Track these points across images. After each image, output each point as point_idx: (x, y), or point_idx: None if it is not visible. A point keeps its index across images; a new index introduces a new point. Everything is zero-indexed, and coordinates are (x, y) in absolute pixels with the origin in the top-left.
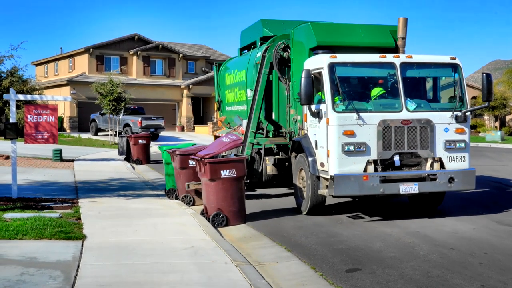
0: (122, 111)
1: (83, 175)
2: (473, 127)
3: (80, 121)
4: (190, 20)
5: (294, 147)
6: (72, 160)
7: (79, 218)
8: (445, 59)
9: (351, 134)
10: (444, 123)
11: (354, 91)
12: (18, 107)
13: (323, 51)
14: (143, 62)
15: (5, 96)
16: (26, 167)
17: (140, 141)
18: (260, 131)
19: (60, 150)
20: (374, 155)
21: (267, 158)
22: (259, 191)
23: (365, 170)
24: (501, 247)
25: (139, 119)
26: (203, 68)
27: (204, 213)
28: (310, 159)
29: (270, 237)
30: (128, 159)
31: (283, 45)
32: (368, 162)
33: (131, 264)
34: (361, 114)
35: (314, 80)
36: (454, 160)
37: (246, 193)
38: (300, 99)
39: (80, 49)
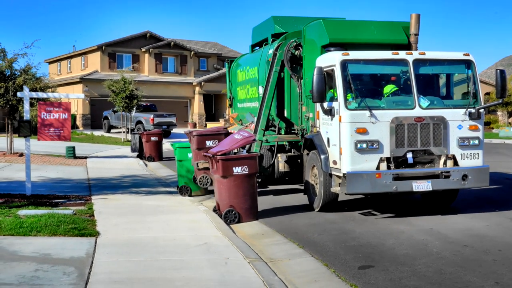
0: (134, 108)
1: (96, 172)
2: (486, 124)
3: (92, 119)
4: (201, 17)
5: (306, 144)
6: (85, 157)
7: (93, 215)
8: (459, 55)
9: (364, 131)
10: (457, 120)
11: (366, 88)
12: (31, 104)
13: (335, 48)
14: (155, 59)
15: (19, 94)
16: (40, 164)
17: (153, 138)
18: (272, 128)
19: (73, 148)
20: (387, 153)
21: (279, 155)
22: (271, 188)
23: (377, 167)
24: None
25: (152, 116)
26: (214, 65)
27: (216, 210)
28: (322, 156)
29: (282, 234)
30: (141, 156)
31: (295, 43)
32: (381, 160)
33: (144, 261)
34: (373, 111)
35: (326, 78)
36: (467, 157)
37: (258, 189)
38: (312, 97)
39: (93, 46)
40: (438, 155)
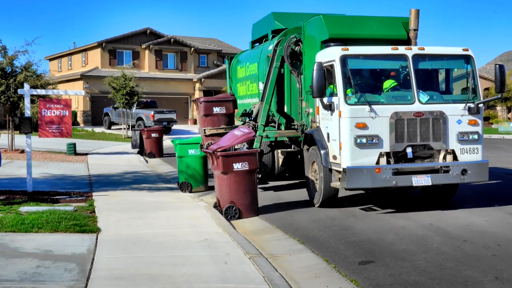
0: (135, 105)
1: (97, 169)
2: (486, 119)
3: (93, 115)
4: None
5: (306, 140)
6: (86, 154)
7: (94, 211)
8: (458, 50)
9: (364, 126)
10: (457, 115)
11: (366, 83)
12: (32, 101)
13: (335, 44)
14: (155, 56)
15: (19, 91)
16: (41, 161)
17: (153, 135)
18: (272, 124)
19: (74, 144)
20: (386, 148)
21: (279, 151)
22: (271, 183)
23: (377, 162)
24: None
25: (152, 112)
26: (215, 62)
27: (217, 206)
28: (322, 151)
29: (283, 229)
30: (141, 152)
31: (295, 39)
32: (381, 155)
33: (145, 257)
34: (373, 106)
35: (326, 73)
36: (467, 152)
37: (259, 185)
38: (312, 92)
39: (93, 43)
40: (438, 150)
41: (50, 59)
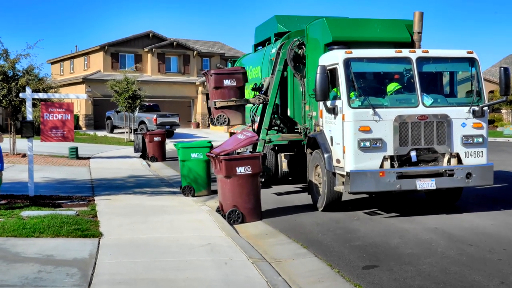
0: (137, 108)
1: (99, 173)
2: (490, 122)
3: (95, 119)
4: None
5: (309, 143)
6: (88, 158)
7: (96, 216)
8: (462, 53)
9: (367, 130)
10: (461, 118)
11: (369, 86)
12: (34, 105)
13: (338, 47)
14: (158, 59)
15: (21, 95)
16: (43, 165)
17: (156, 138)
18: (275, 128)
19: (76, 148)
20: (390, 151)
21: (282, 154)
22: (274, 187)
23: (381, 166)
24: None
25: (155, 116)
26: (218, 65)
27: (219, 210)
28: (326, 155)
29: (286, 233)
30: (144, 156)
31: (298, 42)
32: (385, 158)
33: (147, 262)
34: (377, 109)
35: (330, 76)
36: (471, 156)
37: (262, 189)
38: (316, 95)
39: (95, 47)
40: (442, 153)
41: (52, 63)
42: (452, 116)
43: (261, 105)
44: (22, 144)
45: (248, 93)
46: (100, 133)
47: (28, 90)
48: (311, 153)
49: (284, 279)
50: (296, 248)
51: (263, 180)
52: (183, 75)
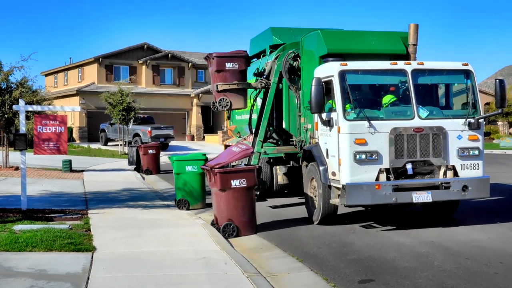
0: (131, 120)
1: (92, 186)
2: (486, 134)
3: (89, 131)
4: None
5: (305, 156)
6: (82, 171)
7: (89, 230)
8: (457, 65)
9: (363, 142)
10: (457, 130)
11: (365, 98)
12: (27, 117)
13: (333, 59)
14: (152, 71)
15: (14, 107)
16: (36, 178)
17: (150, 151)
18: (271, 140)
19: (70, 161)
20: (386, 164)
21: (278, 167)
22: (270, 200)
23: (377, 178)
24: None
25: (149, 128)
26: None
27: (214, 223)
28: (321, 168)
29: (281, 247)
30: (138, 169)
31: (293, 54)
32: (380, 171)
33: (141, 276)
34: (372, 122)
35: (325, 88)
36: (467, 168)
37: (257, 202)
38: (311, 108)
39: (90, 59)
40: (438, 165)
41: (46, 75)
42: (447, 128)
43: (257, 117)
44: (15, 156)
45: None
46: (94, 146)
47: (22, 102)
48: (306, 165)
49: None
50: (292, 262)
51: (258, 193)
52: (178, 87)
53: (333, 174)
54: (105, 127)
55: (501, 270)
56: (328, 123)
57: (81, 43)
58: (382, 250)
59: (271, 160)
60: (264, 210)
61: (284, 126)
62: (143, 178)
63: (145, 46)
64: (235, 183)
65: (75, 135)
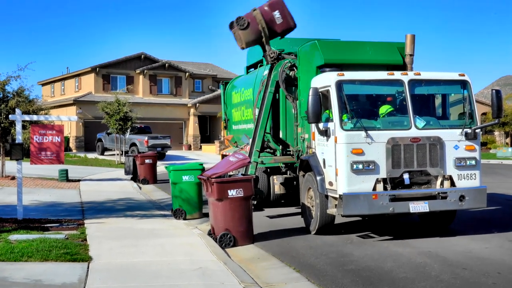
0: (128, 130)
1: (89, 195)
2: (483, 144)
3: (86, 141)
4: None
5: (302, 166)
6: (78, 180)
7: (85, 239)
8: (454, 75)
9: (360, 152)
10: (454, 141)
11: (362, 108)
12: (24, 127)
13: (330, 69)
14: (149, 81)
15: (11, 117)
16: (32, 188)
17: (147, 161)
18: (268, 150)
19: (66, 170)
20: (383, 174)
21: (275, 177)
22: (267, 210)
23: (374, 188)
24: None
25: (146, 138)
26: (210, 87)
27: (211, 233)
28: (318, 178)
29: (278, 257)
30: (135, 178)
31: (290, 64)
32: (377, 181)
33: (138, 286)
34: (369, 132)
35: (322, 98)
36: (464, 178)
37: (254, 212)
38: (308, 118)
39: (87, 68)
40: (435, 175)
41: (43, 84)
42: (444, 138)
43: (253, 127)
44: (12, 166)
45: (240, 115)
46: (90, 155)
47: (18, 112)
48: (303, 175)
49: None
50: (289, 272)
51: (255, 203)
52: (175, 97)
53: (330, 184)
54: (102, 136)
55: (498, 280)
56: (325, 133)
57: (78, 52)
58: (379, 261)
59: (268, 170)
60: (261, 220)
61: (281, 135)
62: (140, 187)
63: (142, 56)
64: (232, 193)
65: (72, 144)
